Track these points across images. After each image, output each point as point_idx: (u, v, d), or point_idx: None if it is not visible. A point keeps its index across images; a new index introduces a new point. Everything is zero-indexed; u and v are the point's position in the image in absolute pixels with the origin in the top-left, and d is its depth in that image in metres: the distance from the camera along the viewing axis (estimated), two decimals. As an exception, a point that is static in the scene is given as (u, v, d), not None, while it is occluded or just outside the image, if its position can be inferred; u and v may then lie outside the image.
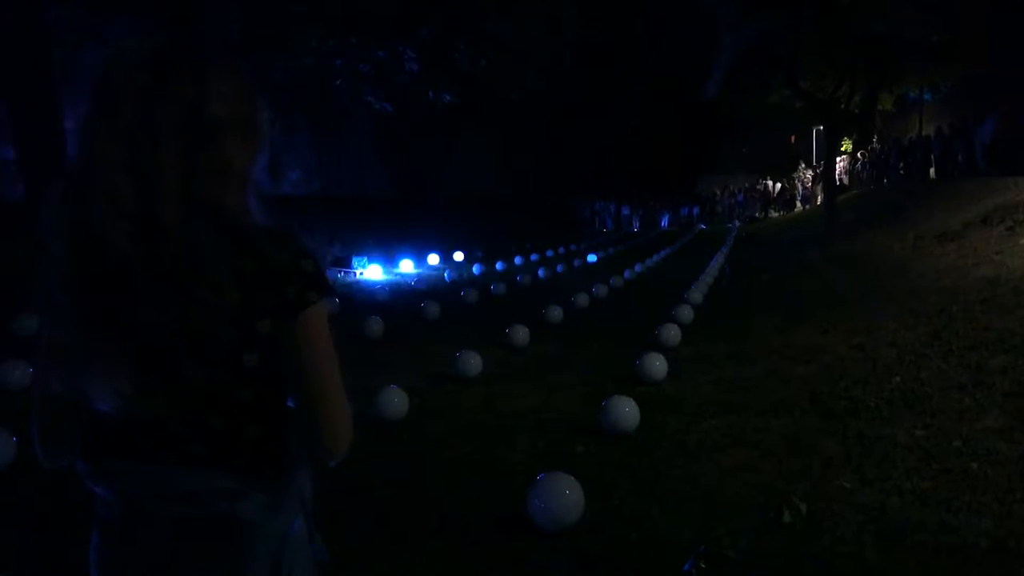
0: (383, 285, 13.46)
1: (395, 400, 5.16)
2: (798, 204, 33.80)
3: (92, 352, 1.05)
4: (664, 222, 37.56)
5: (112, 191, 1.01)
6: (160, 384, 1.05)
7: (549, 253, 20.40)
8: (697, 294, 11.04)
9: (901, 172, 23.43)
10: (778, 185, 35.43)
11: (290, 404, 1.16)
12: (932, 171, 21.32)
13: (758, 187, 36.40)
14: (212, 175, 1.06)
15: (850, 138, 31.92)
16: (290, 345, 1.09)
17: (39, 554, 3.17)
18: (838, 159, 27.31)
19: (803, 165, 34.53)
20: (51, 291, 1.06)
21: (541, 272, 15.53)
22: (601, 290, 12.06)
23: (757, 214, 35.35)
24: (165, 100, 1.03)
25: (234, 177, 1.08)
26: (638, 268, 16.28)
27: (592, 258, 19.51)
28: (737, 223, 32.67)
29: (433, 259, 17.96)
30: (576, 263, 17.94)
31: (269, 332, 1.08)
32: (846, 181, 28.37)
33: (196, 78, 1.06)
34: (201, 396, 1.07)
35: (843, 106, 23.40)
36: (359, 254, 15.59)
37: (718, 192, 38.46)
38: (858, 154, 28.81)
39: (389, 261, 16.09)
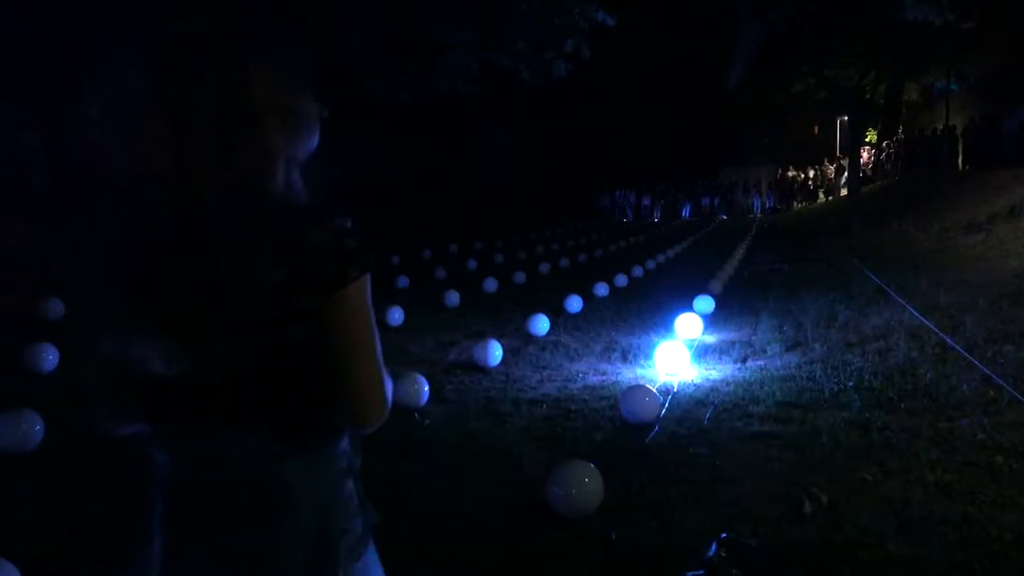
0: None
1: (414, 387, 5.20)
2: (821, 195, 33.46)
3: (133, 320, 1.11)
4: (685, 212, 37.32)
5: (152, 166, 1.07)
6: (196, 353, 1.11)
7: (570, 243, 20.36)
8: (717, 284, 10.98)
9: (927, 163, 23.13)
10: (801, 175, 35.11)
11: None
12: (960, 162, 21.02)
13: (778, 177, 36.06)
14: (250, 155, 1.10)
15: (875, 129, 31.54)
16: (332, 318, 1.13)
17: (65, 533, 3.23)
18: (863, 150, 26.98)
19: (828, 158, 34.17)
20: (100, 259, 1.13)
21: (562, 261, 15.52)
22: (621, 280, 12.03)
23: (779, 205, 35.04)
24: (205, 82, 1.08)
25: (273, 158, 1.12)
26: (659, 258, 16.21)
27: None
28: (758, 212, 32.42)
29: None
30: (597, 253, 17.90)
31: (313, 306, 1.12)
32: (870, 172, 28.03)
33: (236, 62, 1.10)
34: (241, 365, 1.12)
35: (868, 96, 23.09)
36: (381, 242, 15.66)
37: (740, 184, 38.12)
38: (883, 144, 28.45)
39: None
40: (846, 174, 26.11)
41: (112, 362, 1.17)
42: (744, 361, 6.48)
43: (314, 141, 1.20)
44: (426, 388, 5.27)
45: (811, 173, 34.86)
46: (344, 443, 1.23)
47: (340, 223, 1.14)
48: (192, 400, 1.14)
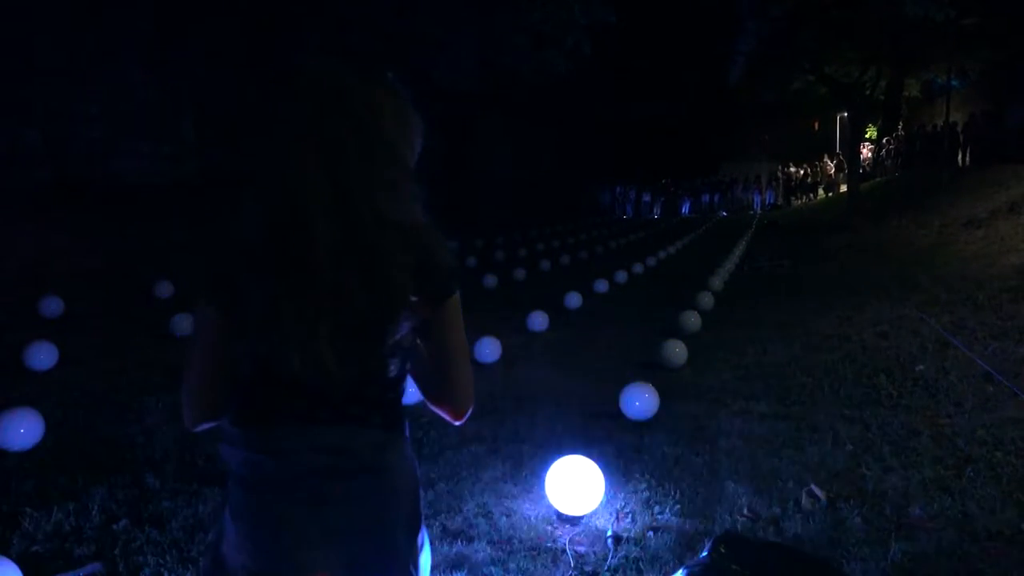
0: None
1: (412, 384, 5.18)
2: (821, 191, 33.43)
3: (280, 327, 1.20)
4: (685, 209, 37.31)
5: (312, 192, 1.19)
6: (336, 355, 1.20)
7: (571, 239, 20.35)
8: (717, 281, 10.98)
9: (928, 159, 23.09)
10: (801, 171, 35.09)
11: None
12: (960, 158, 20.98)
13: (778, 173, 36.05)
14: (388, 182, 1.24)
15: (875, 125, 31.52)
16: (439, 325, 1.30)
17: (64, 531, 3.23)
18: (863, 146, 26.94)
19: (827, 154, 34.13)
20: (237, 272, 1.22)
21: (563, 258, 15.51)
22: (621, 276, 12.02)
23: (779, 201, 35.01)
24: (347, 118, 1.22)
25: (404, 183, 1.27)
26: (660, 255, 16.21)
27: None
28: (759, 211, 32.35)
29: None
30: (598, 249, 17.89)
31: (429, 315, 1.28)
32: (870, 168, 27.99)
33: (371, 99, 1.25)
34: (367, 366, 1.25)
35: (868, 92, 23.05)
36: None
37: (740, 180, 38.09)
38: (884, 141, 28.42)
39: None
40: (846, 170, 26.09)
41: (213, 365, 1.27)
42: (744, 357, 6.47)
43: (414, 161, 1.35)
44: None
45: (811, 169, 34.83)
46: (409, 441, 1.37)
47: (446, 240, 1.30)
48: (303, 401, 1.24)
